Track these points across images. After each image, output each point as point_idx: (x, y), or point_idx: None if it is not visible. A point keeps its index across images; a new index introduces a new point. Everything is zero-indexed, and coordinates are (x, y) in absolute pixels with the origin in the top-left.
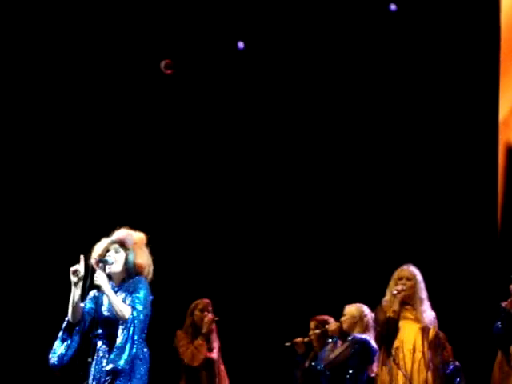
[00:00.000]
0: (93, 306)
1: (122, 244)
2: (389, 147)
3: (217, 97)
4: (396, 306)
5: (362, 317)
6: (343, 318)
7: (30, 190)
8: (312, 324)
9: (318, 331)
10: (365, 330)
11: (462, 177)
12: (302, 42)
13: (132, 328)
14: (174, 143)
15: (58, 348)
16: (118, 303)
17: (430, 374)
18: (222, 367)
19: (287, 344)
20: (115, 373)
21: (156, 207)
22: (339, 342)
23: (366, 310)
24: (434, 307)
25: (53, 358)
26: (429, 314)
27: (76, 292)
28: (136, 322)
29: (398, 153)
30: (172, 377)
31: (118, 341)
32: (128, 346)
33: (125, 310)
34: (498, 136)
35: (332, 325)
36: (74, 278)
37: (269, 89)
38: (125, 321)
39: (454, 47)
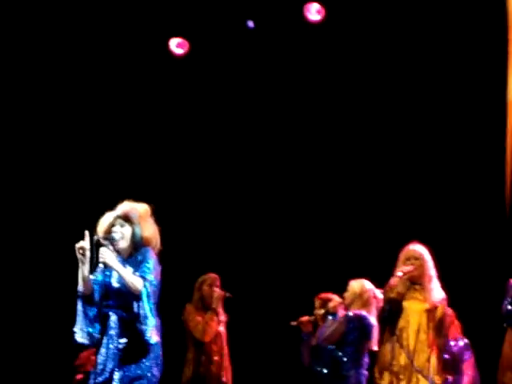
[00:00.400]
0: (103, 277)
1: (127, 218)
2: (399, 127)
3: (224, 79)
4: (401, 288)
5: (362, 293)
6: (345, 294)
7: (33, 164)
8: (317, 302)
9: (322, 311)
10: (364, 305)
11: (470, 157)
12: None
13: (148, 299)
14: (181, 119)
15: (83, 324)
16: (128, 276)
17: (432, 355)
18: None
19: (293, 323)
20: (143, 347)
21: (167, 179)
22: (335, 320)
23: (367, 285)
24: (443, 285)
25: (80, 336)
26: (437, 294)
27: (84, 268)
28: (149, 291)
29: (407, 133)
30: (180, 349)
31: (142, 312)
32: (152, 318)
33: (136, 282)
34: (506, 116)
35: (333, 301)
36: (79, 255)
37: (274, 72)
38: (139, 293)
39: (463, 28)
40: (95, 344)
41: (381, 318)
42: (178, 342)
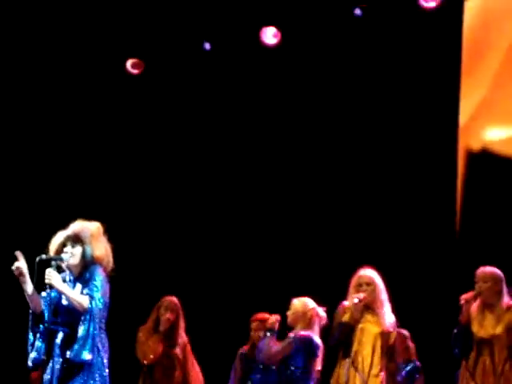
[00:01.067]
0: (54, 294)
1: (78, 238)
2: (350, 148)
3: (183, 97)
4: (357, 314)
5: (305, 311)
6: (288, 312)
7: None
8: (253, 324)
9: (261, 333)
10: (308, 325)
11: (422, 180)
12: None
13: (91, 317)
14: (133, 134)
15: (33, 343)
16: (74, 296)
17: (385, 380)
18: (193, 362)
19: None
20: (80, 365)
21: (122, 198)
22: (274, 337)
23: (310, 304)
24: (394, 308)
25: (31, 355)
26: (389, 318)
27: (26, 287)
28: (95, 310)
29: (359, 155)
30: (130, 367)
31: (80, 332)
32: (90, 337)
33: (82, 301)
34: (457, 141)
35: (271, 318)
36: (18, 276)
37: (239, 89)
38: (84, 311)
39: (416, 52)
40: (42, 363)
41: (332, 343)
42: (129, 360)
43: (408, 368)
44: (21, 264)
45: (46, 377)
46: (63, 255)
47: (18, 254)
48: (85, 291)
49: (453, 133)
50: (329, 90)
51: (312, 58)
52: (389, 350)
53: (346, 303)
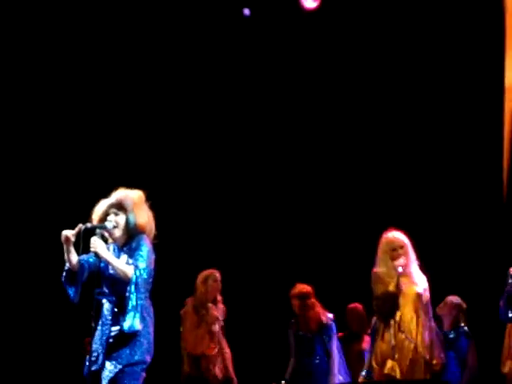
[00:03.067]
0: (96, 261)
1: (121, 206)
2: (395, 114)
3: (220, 67)
4: (396, 279)
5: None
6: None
7: (26, 152)
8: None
9: None
10: None
11: (468, 145)
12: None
13: (137, 288)
14: (178, 110)
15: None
16: (118, 265)
17: (430, 337)
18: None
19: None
20: (129, 334)
21: (162, 168)
22: None
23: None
24: (440, 275)
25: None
26: (421, 277)
27: (71, 256)
28: (140, 280)
29: (404, 119)
30: (176, 341)
31: (129, 303)
32: (138, 307)
33: (127, 270)
34: (503, 102)
35: None
36: (65, 242)
37: (267, 63)
38: (129, 280)
39: (461, 15)
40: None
41: (383, 312)
42: (173, 329)
43: (455, 334)
44: (69, 232)
45: (94, 346)
46: (107, 223)
47: (79, 226)
48: (130, 261)
49: (499, 95)
50: (370, 58)
51: (348, 28)
52: (427, 308)
53: (380, 271)
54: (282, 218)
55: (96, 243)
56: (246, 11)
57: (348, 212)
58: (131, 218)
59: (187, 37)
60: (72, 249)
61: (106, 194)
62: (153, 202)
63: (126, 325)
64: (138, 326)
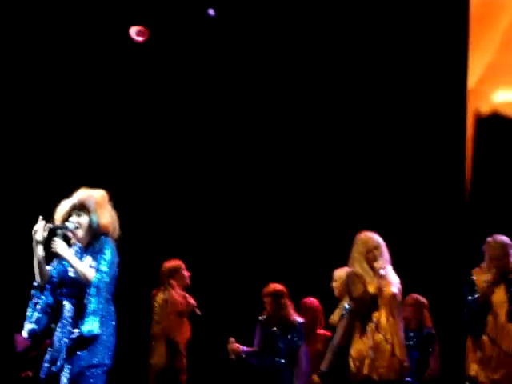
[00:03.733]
0: (61, 266)
1: (84, 207)
2: (357, 117)
3: (188, 66)
4: (376, 282)
5: None
6: (334, 284)
7: None
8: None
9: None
10: None
11: (431, 145)
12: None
13: (98, 292)
14: (138, 100)
15: (32, 315)
16: (80, 267)
17: (401, 339)
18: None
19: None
20: (88, 338)
21: (126, 165)
22: None
23: None
24: (404, 275)
25: (27, 327)
26: (395, 278)
27: (39, 253)
28: (101, 284)
29: (367, 122)
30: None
31: (89, 306)
32: (99, 311)
33: (88, 273)
34: (466, 105)
35: None
36: (37, 238)
37: (240, 57)
38: (88, 283)
39: (424, 16)
40: (39, 334)
41: (361, 315)
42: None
43: (421, 335)
44: (40, 228)
45: (55, 347)
46: (68, 224)
47: (40, 218)
48: (92, 263)
49: (461, 96)
50: (331, 59)
51: (317, 25)
52: (399, 309)
53: (359, 272)
54: (256, 219)
55: (57, 244)
56: (211, 11)
57: (316, 213)
58: (94, 218)
59: (183, 37)
60: (40, 245)
61: (70, 194)
62: (117, 202)
63: (85, 328)
64: (97, 330)
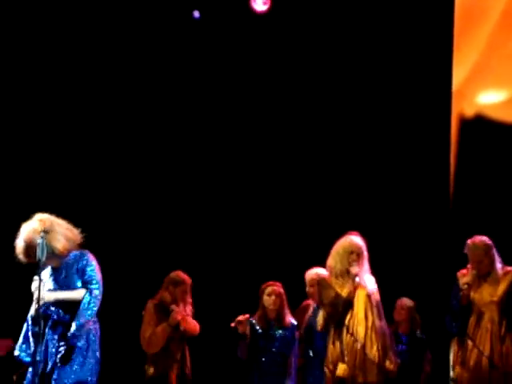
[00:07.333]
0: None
1: (34, 245)
2: (344, 120)
3: (175, 69)
4: (351, 286)
5: None
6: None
7: None
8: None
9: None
10: None
11: (415, 147)
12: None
13: (88, 306)
14: (121, 114)
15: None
16: (70, 296)
17: (381, 339)
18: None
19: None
20: (75, 353)
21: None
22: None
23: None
24: (389, 279)
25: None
26: (370, 278)
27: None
28: (92, 299)
29: (351, 125)
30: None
31: (77, 319)
32: (85, 326)
33: (79, 295)
34: (451, 106)
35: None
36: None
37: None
38: (81, 301)
39: (409, 17)
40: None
41: (336, 320)
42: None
43: (413, 339)
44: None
45: (42, 353)
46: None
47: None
48: (79, 284)
49: (446, 98)
50: (318, 61)
51: (303, 28)
52: (377, 310)
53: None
54: (242, 223)
55: (44, 293)
56: (196, 13)
57: (304, 219)
58: (49, 249)
59: (169, 39)
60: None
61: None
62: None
63: (70, 340)
64: (83, 344)
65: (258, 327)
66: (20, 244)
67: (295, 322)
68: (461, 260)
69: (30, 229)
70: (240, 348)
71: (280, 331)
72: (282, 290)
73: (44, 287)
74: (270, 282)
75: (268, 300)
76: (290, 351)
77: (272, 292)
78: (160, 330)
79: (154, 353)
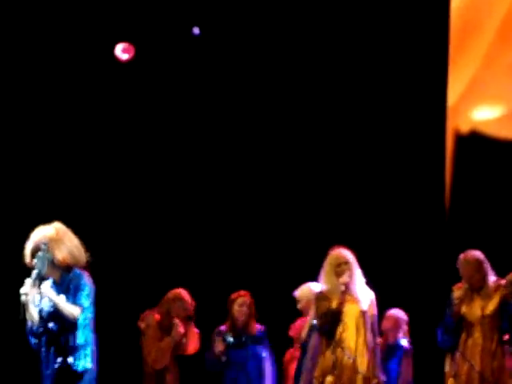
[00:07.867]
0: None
1: (38, 249)
2: (338, 129)
3: (173, 82)
4: (341, 297)
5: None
6: (299, 305)
7: None
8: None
9: None
10: None
11: (410, 163)
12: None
13: (86, 327)
14: (124, 122)
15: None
16: (66, 306)
17: (372, 355)
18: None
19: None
20: (78, 372)
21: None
22: None
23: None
24: (384, 291)
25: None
26: (367, 293)
27: (33, 314)
28: (87, 320)
29: (347, 138)
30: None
31: (78, 341)
32: (89, 345)
33: (74, 311)
34: (446, 122)
35: None
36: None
37: (224, 75)
38: (74, 320)
39: (404, 32)
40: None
41: (324, 331)
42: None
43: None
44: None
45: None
46: (35, 265)
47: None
48: (70, 302)
49: (441, 114)
50: (311, 75)
51: (304, 37)
52: (372, 326)
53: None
54: (226, 229)
55: (44, 286)
56: (196, 30)
57: (293, 229)
58: (50, 257)
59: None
60: (32, 306)
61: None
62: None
63: (75, 363)
64: (87, 365)
65: (229, 337)
66: (29, 246)
67: (261, 326)
68: (456, 274)
69: (41, 233)
70: (209, 360)
71: (250, 343)
72: (252, 300)
73: (42, 300)
74: (241, 292)
75: (240, 311)
76: (261, 361)
77: (243, 303)
78: (165, 345)
79: (159, 369)
